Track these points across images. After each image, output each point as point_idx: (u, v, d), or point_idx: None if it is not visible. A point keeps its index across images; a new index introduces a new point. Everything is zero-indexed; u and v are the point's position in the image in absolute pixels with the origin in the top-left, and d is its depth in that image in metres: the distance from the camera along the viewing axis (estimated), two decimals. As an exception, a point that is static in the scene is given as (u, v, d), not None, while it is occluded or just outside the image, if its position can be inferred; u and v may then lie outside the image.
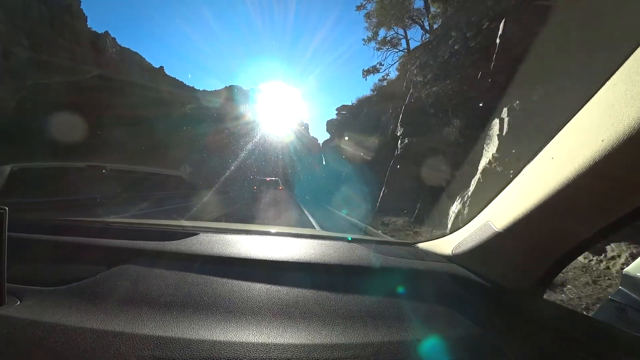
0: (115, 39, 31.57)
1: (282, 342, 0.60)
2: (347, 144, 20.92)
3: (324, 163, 30.99)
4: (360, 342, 0.63)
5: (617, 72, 0.52)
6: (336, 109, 32.15)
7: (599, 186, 0.55)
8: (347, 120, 26.66)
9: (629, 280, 0.71)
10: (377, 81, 22.19)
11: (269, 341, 0.60)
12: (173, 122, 25.64)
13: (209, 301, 0.72)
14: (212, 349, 0.56)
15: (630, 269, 0.73)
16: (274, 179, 15.93)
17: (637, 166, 0.50)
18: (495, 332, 0.70)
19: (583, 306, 2.66)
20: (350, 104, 29.06)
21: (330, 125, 32.41)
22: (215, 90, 41.36)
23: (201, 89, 40.61)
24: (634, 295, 0.70)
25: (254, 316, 0.68)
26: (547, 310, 0.75)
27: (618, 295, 0.74)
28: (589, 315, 0.82)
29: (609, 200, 0.56)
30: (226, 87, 42.90)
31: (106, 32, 30.49)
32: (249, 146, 31.39)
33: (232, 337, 0.60)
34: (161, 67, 36.99)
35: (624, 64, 0.51)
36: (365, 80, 23.08)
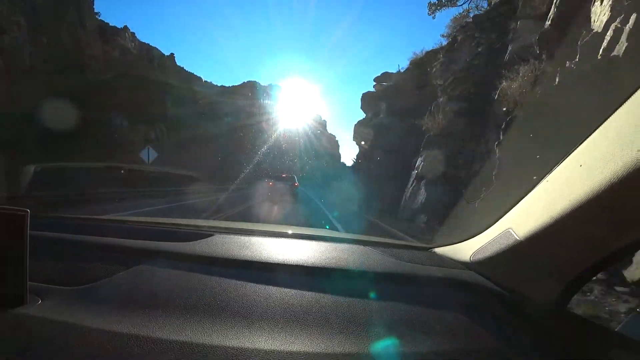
0: (134, 34, 32.03)
1: (295, 349, 0.60)
2: (406, 115, 14.77)
3: (354, 157, 24.03)
4: (367, 353, 0.62)
5: None
6: (374, 79, 24.39)
7: (632, 196, 0.53)
8: (394, 89, 19.68)
9: None
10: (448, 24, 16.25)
11: (282, 348, 0.59)
12: (188, 119, 25.42)
13: (223, 305, 0.73)
14: (225, 355, 0.56)
15: None
16: (290, 175, 15.82)
17: None
18: (516, 346, 0.68)
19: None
20: (396, 71, 21.88)
21: (369, 100, 24.11)
22: (233, 86, 41.65)
23: (219, 84, 41.02)
24: None
25: (268, 322, 0.68)
26: (570, 324, 0.72)
27: None
28: (615, 328, 0.78)
29: None
30: (244, 82, 43.09)
31: (125, 26, 30.83)
32: (265, 145, 31.09)
33: (245, 343, 0.60)
34: (172, 54, 36.87)
35: None
36: (433, 18, 17.50)
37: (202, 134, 26.09)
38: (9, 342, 0.56)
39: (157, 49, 35.36)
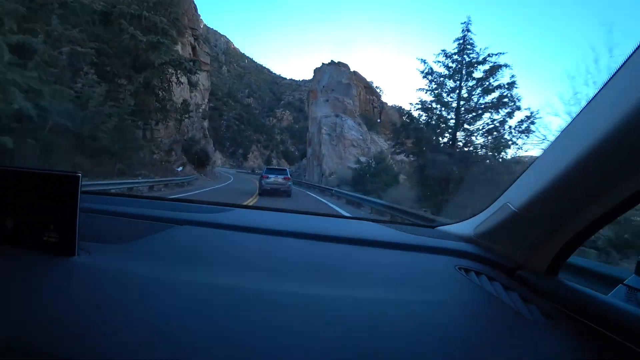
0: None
1: (305, 292, 0.68)
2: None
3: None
4: (369, 297, 0.68)
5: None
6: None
7: (605, 164, 0.59)
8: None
9: None
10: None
11: (294, 291, 0.68)
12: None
13: (246, 258, 0.87)
14: (251, 294, 0.65)
15: None
16: (282, 168, 18.06)
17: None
18: (509, 306, 0.71)
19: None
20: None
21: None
22: (296, 81, 42.58)
23: (288, 78, 42.26)
24: None
25: (283, 271, 0.80)
26: (560, 289, 0.74)
27: (632, 282, 0.69)
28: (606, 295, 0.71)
29: (615, 177, 0.59)
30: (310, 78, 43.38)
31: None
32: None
33: (265, 286, 0.69)
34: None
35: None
36: None
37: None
38: (63, 286, 0.61)
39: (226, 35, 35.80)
